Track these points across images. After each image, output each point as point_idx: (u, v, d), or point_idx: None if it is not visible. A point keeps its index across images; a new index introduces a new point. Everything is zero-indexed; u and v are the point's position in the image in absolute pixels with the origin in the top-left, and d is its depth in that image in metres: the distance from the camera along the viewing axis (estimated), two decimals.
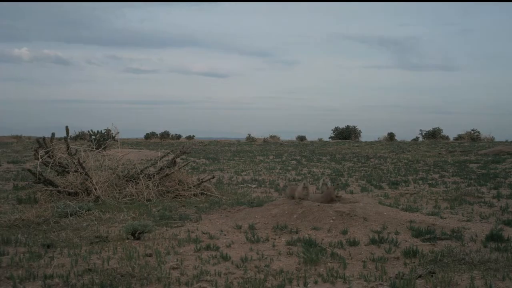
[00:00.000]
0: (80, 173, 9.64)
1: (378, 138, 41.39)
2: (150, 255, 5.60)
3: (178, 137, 46.66)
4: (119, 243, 6.16)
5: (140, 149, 24.09)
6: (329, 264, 5.32)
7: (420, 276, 4.78)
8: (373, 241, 6.13)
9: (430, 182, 12.64)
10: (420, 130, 41.76)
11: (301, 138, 43.40)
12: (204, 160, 19.79)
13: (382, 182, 12.66)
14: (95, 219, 7.61)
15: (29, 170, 10.04)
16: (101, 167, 10.12)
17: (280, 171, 15.78)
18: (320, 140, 41.98)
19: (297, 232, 6.61)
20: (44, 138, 10.35)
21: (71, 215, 7.74)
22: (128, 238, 6.34)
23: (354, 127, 45.46)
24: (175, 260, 5.40)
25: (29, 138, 38.52)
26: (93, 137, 19.62)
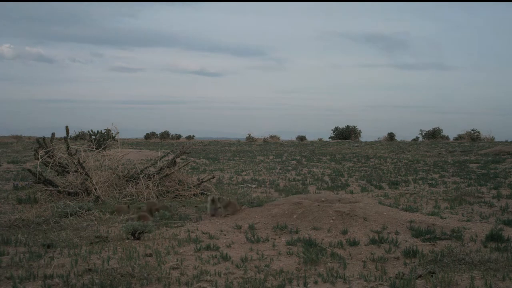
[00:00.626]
0: (80, 173, 9.63)
1: (378, 138, 41.40)
2: (150, 255, 5.60)
3: (178, 137, 46.68)
4: (119, 243, 6.16)
5: (140, 149, 24.09)
6: (329, 264, 5.32)
7: (420, 276, 4.78)
8: (373, 241, 6.13)
9: (430, 182, 12.63)
10: (420, 130, 41.81)
11: (301, 138, 43.39)
12: (204, 160, 19.78)
13: (382, 182, 12.66)
14: (95, 219, 7.61)
15: (29, 170, 10.03)
16: (101, 167, 10.12)
17: (280, 171, 15.77)
18: (320, 140, 41.97)
19: (297, 232, 6.61)
20: (44, 138, 10.35)
21: (71, 215, 7.74)
22: (128, 238, 6.34)
23: (354, 127, 45.47)
24: (175, 260, 5.40)
25: (29, 138, 38.53)
26: (93, 137, 19.61)
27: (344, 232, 6.50)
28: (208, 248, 5.94)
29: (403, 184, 12.38)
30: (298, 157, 21.38)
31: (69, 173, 9.88)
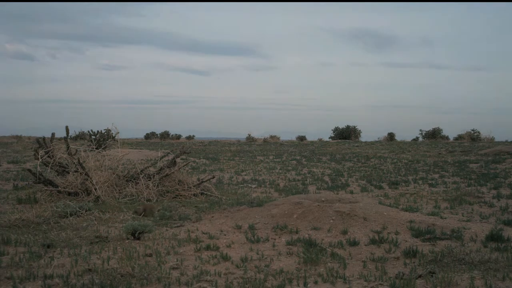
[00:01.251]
0: (80, 173, 9.63)
1: (378, 138, 41.39)
2: (150, 255, 5.60)
3: (178, 137, 46.71)
4: (119, 243, 6.16)
5: (140, 149, 24.09)
6: (329, 264, 5.32)
7: (420, 276, 4.78)
8: (373, 241, 6.13)
9: (430, 182, 12.63)
10: (420, 130, 41.83)
11: (301, 138, 43.39)
12: (204, 160, 19.79)
13: (382, 182, 12.66)
14: (95, 219, 7.61)
15: (29, 170, 10.03)
16: (101, 167, 10.12)
17: (280, 171, 15.77)
18: (320, 140, 41.96)
19: (297, 232, 6.61)
20: (44, 138, 10.35)
21: (71, 215, 7.74)
22: (128, 238, 6.34)
23: (354, 127, 45.45)
24: (175, 260, 5.40)
25: (29, 138, 38.51)
26: (93, 137, 19.62)
27: (344, 232, 6.50)
28: (208, 248, 5.94)
29: (403, 184, 12.38)
30: (298, 157, 21.38)
31: (69, 173, 9.88)
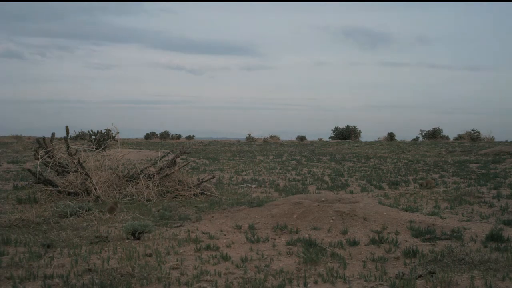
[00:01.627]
0: (80, 173, 9.64)
1: (378, 138, 41.37)
2: (150, 255, 5.60)
3: (178, 137, 46.69)
4: (119, 243, 6.16)
5: (140, 149, 24.08)
6: (329, 264, 5.32)
7: (420, 276, 4.78)
8: (373, 241, 6.13)
9: None
10: (420, 130, 41.82)
11: (301, 138, 43.37)
12: (204, 160, 19.79)
13: (382, 182, 12.66)
14: (95, 219, 7.61)
15: (29, 170, 10.04)
16: (101, 167, 10.12)
17: (280, 171, 15.77)
18: (320, 140, 41.95)
19: (297, 232, 6.61)
20: (44, 138, 10.36)
21: (71, 215, 7.74)
22: (128, 238, 6.34)
23: (354, 127, 45.43)
24: (175, 260, 5.41)
25: (29, 138, 38.51)
26: (93, 137, 19.63)
27: (344, 232, 6.50)
28: (208, 248, 5.94)
29: (403, 184, 12.38)
30: (298, 157, 21.38)
31: (69, 173, 9.88)
